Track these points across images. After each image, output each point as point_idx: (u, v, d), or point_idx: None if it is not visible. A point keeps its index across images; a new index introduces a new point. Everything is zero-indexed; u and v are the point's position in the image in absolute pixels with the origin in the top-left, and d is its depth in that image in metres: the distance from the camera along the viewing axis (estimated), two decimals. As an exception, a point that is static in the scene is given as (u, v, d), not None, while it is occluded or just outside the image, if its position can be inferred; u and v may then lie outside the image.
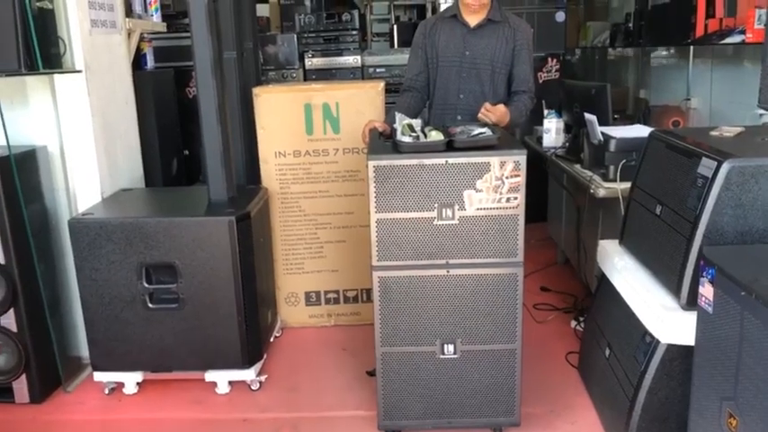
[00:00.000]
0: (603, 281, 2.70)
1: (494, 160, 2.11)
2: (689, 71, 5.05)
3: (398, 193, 2.15)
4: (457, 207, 2.16)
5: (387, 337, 2.29)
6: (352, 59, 5.57)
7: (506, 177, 2.13)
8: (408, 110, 2.83)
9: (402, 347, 2.30)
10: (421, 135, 2.24)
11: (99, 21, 3.02)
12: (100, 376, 2.87)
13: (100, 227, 2.69)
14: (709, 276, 1.85)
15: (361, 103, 3.23)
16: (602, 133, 2.92)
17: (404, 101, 2.94)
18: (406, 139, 2.16)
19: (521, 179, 2.13)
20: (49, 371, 2.87)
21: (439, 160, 2.12)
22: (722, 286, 1.78)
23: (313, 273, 3.42)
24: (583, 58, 7.06)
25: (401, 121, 2.35)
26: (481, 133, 2.16)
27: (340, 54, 5.60)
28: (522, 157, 2.12)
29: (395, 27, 7.60)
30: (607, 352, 2.51)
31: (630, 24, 5.64)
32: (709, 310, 1.86)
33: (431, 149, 2.14)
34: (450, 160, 2.12)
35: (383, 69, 5.58)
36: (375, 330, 2.29)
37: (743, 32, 3.90)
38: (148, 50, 3.89)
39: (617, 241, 2.69)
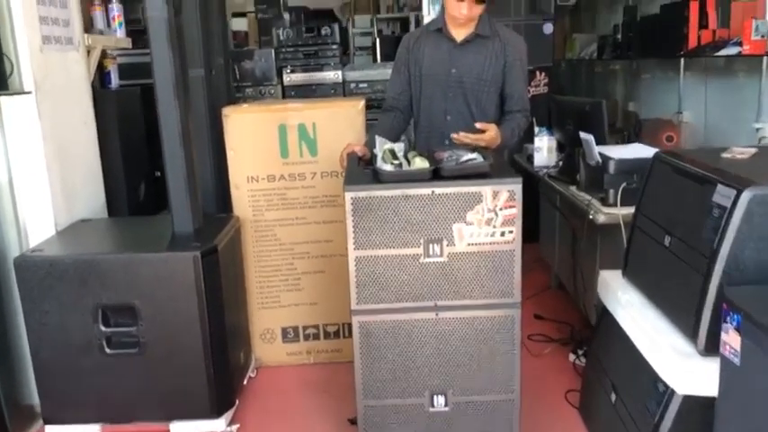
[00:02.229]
0: (605, 315, 2.47)
1: (486, 190, 1.88)
2: (680, 84, 4.88)
3: (380, 228, 1.91)
4: (445, 242, 1.92)
5: (369, 388, 2.05)
6: (332, 75, 5.36)
7: (500, 209, 1.90)
8: (390, 131, 2.59)
9: (387, 400, 2.06)
10: (404, 162, 2.00)
11: (52, 37, 2.76)
12: (53, 430, 2.58)
13: (50, 265, 2.42)
14: (734, 323, 1.62)
15: (339, 124, 2.99)
16: (600, 153, 2.70)
17: (385, 122, 2.71)
18: (388, 167, 1.93)
19: (516, 210, 1.90)
20: (-4, 424, 2.58)
21: (424, 190, 1.89)
22: (751, 335, 1.55)
23: (290, 306, 3.16)
24: (569, 71, 6.90)
25: (382, 145, 2.11)
26: (471, 159, 1.92)
27: (320, 69, 5.37)
28: (517, 186, 1.89)
29: (377, 41, 7.41)
30: (613, 397, 2.27)
31: (619, 36, 5.49)
32: (736, 361, 1.63)
33: (415, 178, 1.90)
34: (437, 190, 1.89)
35: (365, 85, 5.37)
36: (356, 380, 2.05)
37: (739, 44, 3.73)
38: (112, 68, 3.63)
39: (619, 272, 2.47)
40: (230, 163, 3.02)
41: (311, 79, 5.36)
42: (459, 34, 2.59)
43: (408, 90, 2.72)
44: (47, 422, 2.57)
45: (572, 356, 3.09)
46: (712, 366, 1.80)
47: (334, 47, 5.47)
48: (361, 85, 5.39)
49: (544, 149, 3.43)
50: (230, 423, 2.63)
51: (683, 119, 4.77)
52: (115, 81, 3.68)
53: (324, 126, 2.99)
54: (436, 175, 1.91)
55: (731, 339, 1.64)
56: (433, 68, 2.66)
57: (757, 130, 3.97)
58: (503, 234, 1.92)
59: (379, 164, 1.97)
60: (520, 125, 2.58)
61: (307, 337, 3.20)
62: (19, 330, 2.71)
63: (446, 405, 2.05)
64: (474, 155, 1.97)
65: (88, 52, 3.15)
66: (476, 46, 2.59)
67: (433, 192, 1.89)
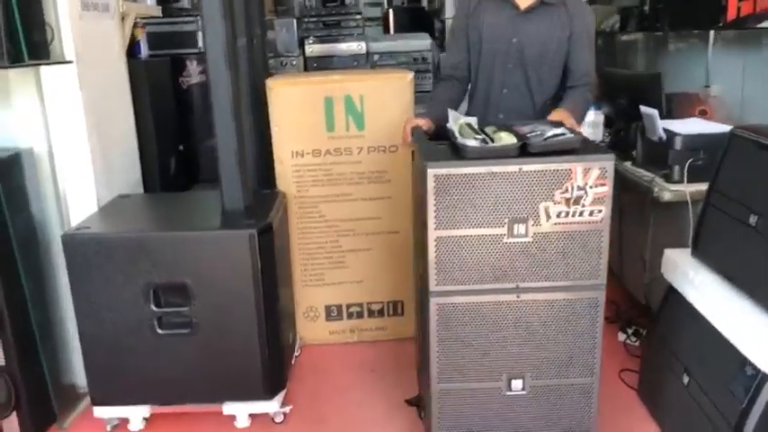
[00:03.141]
0: (673, 295, 2.40)
1: (576, 167, 1.79)
2: (708, 56, 4.76)
3: (462, 207, 1.82)
4: (531, 222, 1.84)
5: (445, 372, 1.97)
6: (356, 46, 5.19)
7: (590, 187, 1.81)
8: (449, 102, 2.46)
9: (461, 383, 1.99)
10: (485, 137, 1.90)
11: (90, 3, 2.63)
12: (101, 411, 2.51)
13: (99, 243, 2.33)
14: None
15: (387, 96, 2.89)
16: (664, 129, 2.60)
17: (442, 92, 2.58)
18: (472, 143, 1.83)
19: (607, 189, 1.82)
20: (43, 406, 2.51)
21: (512, 168, 1.79)
22: None
23: (334, 284, 3.08)
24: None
25: (456, 119, 2.01)
26: (559, 134, 1.83)
27: (343, 40, 5.21)
28: (609, 164, 1.81)
29: (390, 12, 7.25)
30: (685, 379, 2.21)
31: (646, 8, 5.34)
32: None
33: (502, 154, 1.80)
34: (525, 167, 1.79)
35: (389, 56, 5.21)
36: (431, 365, 1.97)
37: None
38: (142, 37, 3.49)
39: (688, 251, 2.39)
40: (274, 137, 2.92)
41: (334, 50, 5.20)
42: (524, 1, 2.45)
43: (467, 58, 2.56)
44: (95, 403, 2.49)
45: (622, 335, 3.03)
46: (811, 350, 1.74)
47: (357, 17, 5.32)
48: (384, 57, 5.24)
49: (591, 124, 3.33)
50: (282, 404, 2.57)
51: (711, 93, 4.66)
52: (145, 51, 3.55)
53: (371, 99, 2.88)
54: (523, 151, 1.81)
55: None
56: (493, 37, 2.48)
57: (793, 107, 3.88)
58: (591, 213, 1.83)
59: (460, 139, 1.87)
60: (588, 100, 2.45)
61: (350, 316, 3.13)
62: (62, 308, 2.64)
63: (523, 389, 1.99)
64: (560, 129, 1.87)
65: (122, 20, 3.01)
66: (540, 15, 2.44)
67: (520, 169, 1.79)
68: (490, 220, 1.83)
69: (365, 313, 3.13)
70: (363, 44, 5.21)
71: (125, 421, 2.54)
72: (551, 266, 1.88)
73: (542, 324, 1.93)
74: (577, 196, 1.81)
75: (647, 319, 2.97)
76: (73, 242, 2.32)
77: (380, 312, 3.14)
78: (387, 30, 7.21)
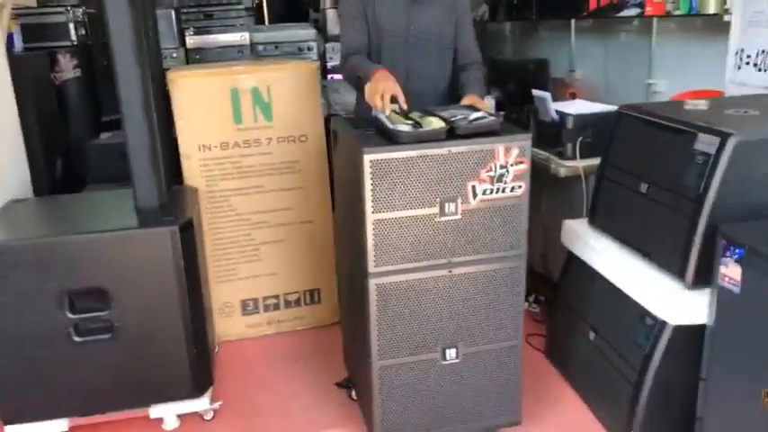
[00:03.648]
0: (574, 261, 2.64)
1: (499, 147, 1.93)
2: (572, 44, 5.19)
3: (397, 190, 1.91)
4: (460, 200, 1.96)
5: (384, 349, 2.06)
6: (239, 37, 5.10)
7: (511, 165, 1.96)
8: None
9: (401, 358, 2.08)
10: (414, 122, 1.99)
11: (-33, -7, 2.42)
12: (12, 430, 2.35)
13: (5, 251, 2.17)
14: (735, 256, 1.81)
15: (295, 86, 2.91)
16: (556, 110, 2.84)
17: (364, 60, 2.51)
18: (404, 128, 1.91)
19: (526, 166, 1.98)
20: (-56, 433, 2.31)
21: (442, 150, 1.90)
22: (755, 266, 1.75)
23: (249, 278, 3.07)
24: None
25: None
26: (480, 117, 1.96)
27: (225, 31, 5.10)
28: (527, 143, 1.97)
29: (264, 2, 7.15)
30: (591, 335, 2.46)
31: (514, -2, 5.69)
32: (735, 290, 1.82)
33: (432, 138, 1.91)
34: (454, 149, 1.91)
35: (273, 47, 5.17)
36: (371, 343, 2.04)
37: (640, 6, 3.98)
38: (16, 29, 3.25)
39: (584, 221, 2.64)
40: (180, 132, 2.85)
41: (216, 42, 5.07)
42: None
43: (368, 42, 2.53)
44: (6, 422, 2.33)
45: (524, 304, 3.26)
46: (700, 298, 2.01)
47: (239, 6, 5.22)
48: (268, 48, 5.19)
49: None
50: (211, 401, 2.54)
51: (576, 77, 5.08)
52: (19, 44, 3.31)
53: (278, 89, 2.89)
54: (451, 134, 1.93)
55: (730, 271, 1.83)
56: (392, 27, 2.52)
57: (649, 85, 4.35)
58: (513, 189, 1.99)
59: (390, 124, 1.95)
60: (482, 79, 2.56)
61: (267, 308, 3.13)
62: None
63: (457, 357, 2.12)
64: (481, 113, 2.01)
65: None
66: (431, 1, 2.52)
67: (449, 151, 1.91)
68: (423, 201, 1.93)
69: (282, 304, 3.15)
70: (246, 34, 5.13)
71: (41, 438, 2.39)
72: (479, 241, 2.02)
73: (472, 295, 2.07)
74: (500, 174, 1.96)
75: (545, 287, 3.22)
76: (-26, 252, 2.15)
77: (297, 302, 3.16)
78: (260, 20, 7.10)
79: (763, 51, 2.84)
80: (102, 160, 3.50)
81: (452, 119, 1.97)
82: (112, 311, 2.29)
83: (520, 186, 1.99)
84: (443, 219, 1.96)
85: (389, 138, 1.93)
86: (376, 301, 2.00)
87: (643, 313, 2.17)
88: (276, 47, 5.20)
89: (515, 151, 1.95)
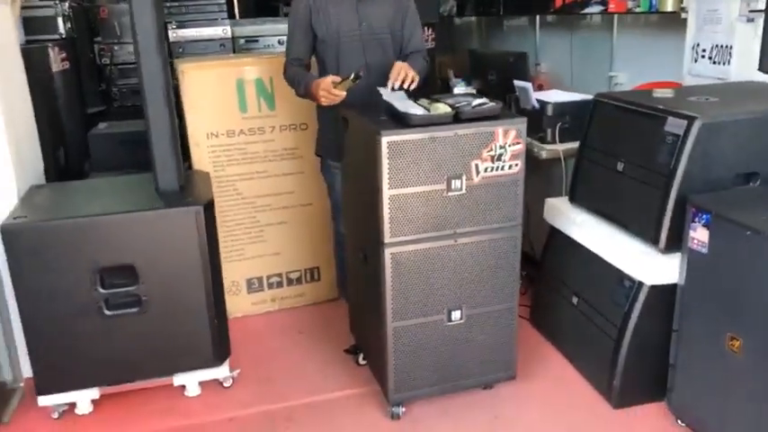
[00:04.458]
0: (556, 235, 2.92)
1: (498, 129, 2.19)
2: (536, 38, 5.51)
3: (410, 168, 2.15)
4: (465, 177, 2.21)
5: (397, 311, 2.30)
6: (221, 30, 5.25)
7: (509, 145, 2.22)
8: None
9: (412, 320, 2.33)
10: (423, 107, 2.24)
11: (-8, -11, 2.56)
12: (46, 400, 2.51)
13: (41, 231, 2.34)
14: (702, 221, 2.11)
15: (296, 77, 3.10)
16: (537, 99, 3.12)
17: (304, 70, 2.73)
18: (417, 111, 2.16)
19: (522, 146, 2.24)
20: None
21: (448, 132, 2.15)
22: (720, 228, 2.05)
23: (254, 258, 3.27)
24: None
25: (387, 93, 2.33)
26: (482, 103, 2.22)
27: (207, 24, 5.24)
28: (522, 126, 2.23)
29: (235, -2, 7.26)
30: (574, 300, 2.74)
31: (480, -6, 5.96)
32: (704, 251, 2.13)
33: (441, 121, 2.16)
34: (459, 131, 2.16)
35: (256, 41, 5.34)
36: (385, 307, 2.28)
37: (603, 3, 4.29)
38: (18, 22, 3.36)
39: (565, 198, 2.93)
40: (189, 120, 3.02)
41: (199, 35, 5.22)
42: None
43: (310, 50, 2.73)
44: (41, 393, 2.50)
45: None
46: (672, 261, 2.31)
47: (220, 1, 5.36)
48: (250, 42, 5.35)
49: (465, 98, 3.79)
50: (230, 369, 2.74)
51: (541, 69, 5.38)
52: (21, 37, 3.42)
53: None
54: (456, 118, 2.18)
55: (699, 234, 2.13)
56: (344, 26, 2.65)
57: (610, 77, 4.69)
58: (510, 167, 2.25)
59: (406, 108, 2.19)
60: (423, 64, 2.75)
61: (270, 286, 3.34)
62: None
63: (461, 318, 2.37)
64: (483, 99, 2.26)
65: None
66: None
67: (455, 133, 2.16)
68: (432, 178, 2.18)
69: (284, 282, 3.36)
70: (228, 28, 5.28)
71: (72, 406, 2.56)
72: (481, 213, 2.27)
73: (475, 262, 2.32)
74: (499, 153, 2.22)
75: (527, 262, 3.50)
76: (14, 232, 2.31)
77: (298, 280, 3.38)
78: (231, 14, 7.21)
79: (717, 46, 3.16)
80: (103, 149, 3.65)
81: (457, 105, 2.22)
82: (140, 286, 2.47)
83: (516, 164, 2.25)
84: (450, 194, 2.22)
85: (401, 121, 2.17)
86: (390, 268, 2.24)
87: (621, 276, 2.46)
88: (257, 40, 5.36)
89: (513, 133, 2.21)
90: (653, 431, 2.39)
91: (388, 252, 2.22)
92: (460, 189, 2.22)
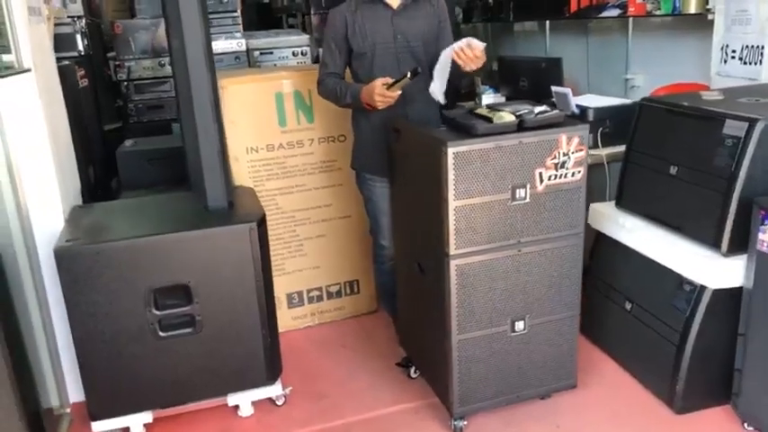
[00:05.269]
0: (603, 240, 2.91)
1: (562, 136, 2.17)
2: (546, 42, 5.52)
3: (476, 178, 2.12)
4: (529, 186, 2.19)
5: (462, 324, 2.27)
6: (235, 44, 5.23)
7: (572, 152, 2.20)
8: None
9: (475, 332, 2.30)
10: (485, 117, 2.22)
11: (34, 8, 2.52)
12: (99, 426, 2.46)
13: (96, 253, 2.29)
14: (773, 223, 2.10)
15: (334, 89, 3.08)
16: (577, 105, 3.11)
17: (339, 82, 2.70)
18: (478, 122, 2.14)
19: (584, 153, 2.22)
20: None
21: (513, 141, 2.13)
22: (791, 231, 2.04)
23: (294, 272, 3.23)
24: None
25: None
26: (544, 111, 2.20)
27: (222, 38, 5.22)
28: (585, 132, 2.22)
29: (239, 10, 7.25)
30: (628, 306, 2.72)
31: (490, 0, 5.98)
32: (773, 253, 2.11)
33: (505, 130, 2.13)
34: (524, 140, 2.14)
35: (270, 53, 5.32)
36: (450, 319, 2.25)
37: (621, 6, 4.30)
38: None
39: (610, 204, 2.91)
40: (229, 135, 2.98)
41: (215, 49, 5.17)
42: (395, 1, 2.63)
43: (345, 66, 2.71)
44: (94, 419, 2.44)
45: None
46: (736, 263, 2.30)
47: (234, 14, 5.34)
48: (264, 54, 5.33)
49: (495, 106, 3.78)
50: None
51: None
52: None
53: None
54: (520, 126, 2.16)
55: (768, 237, 2.12)
56: (380, 38, 2.63)
57: (626, 80, 4.70)
58: (573, 174, 2.23)
59: (467, 119, 2.17)
60: None
61: (311, 300, 3.30)
62: (31, 329, 2.52)
63: (525, 329, 2.35)
64: (544, 107, 2.24)
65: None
66: (413, 10, 2.65)
67: (520, 141, 2.14)
68: (497, 188, 2.16)
69: (324, 296, 3.32)
70: (243, 41, 5.26)
71: (125, 430, 2.51)
72: (544, 222, 2.25)
73: (538, 271, 2.30)
74: (563, 161, 2.20)
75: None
76: (68, 255, 2.26)
77: (338, 293, 3.34)
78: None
79: (747, 47, 3.16)
80: (132, 167, 3.60)
81: (518, 113, 2.20)
82: (194, 306, 2.43)
83: (579, 171, 2.24)
84: (514, 203, 2.19)
85: (464, 131, 2.14)
86: (455, 280, 2.21)
87: (681, 281, 2.44)
88: (272, 52, 5.34)
89: (576, 140, 2.19)
90: (719, 436, 2.37)
91: (453, 264, 2.19)
92: (525, 198, 2.19)
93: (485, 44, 2.39)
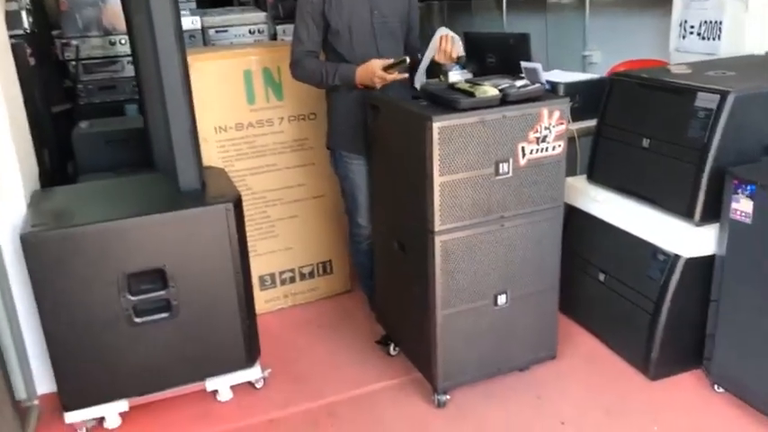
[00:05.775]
0: (576, 214, 2.94)
1: (544, 110, 2.18)
2: (503, 19, 5.58)
3: (460, 153, 2.11)
4: (511, 160, 2.19)
5: (446, 299, 2.27)
6: (190, 22, 5.06)
7: (553, 126, 2.21)
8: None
9: (459, 307, 2.30)
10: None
11: (-15, -20, 2.36)
12: (73, 416, 2.37)
13: (65, 239, 2.19)
14: (746, 192, 2.16)
15: (303, 66, 3.01)
16: (547, 80, 3.13)
17: (318, 62, 2.67)
18: (461, 96, 2.12)
19: (565, 127, 2.24)
20: None
21: (496, 115, 2.13)
22: (765, 199, 2.10)
23: (266, 254, 3.17)
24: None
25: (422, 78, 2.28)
26: (525, 85, 2.20)
27: (175, 15, 5.03)
28: (566, 106, 2.23)
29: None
30: (601, 277, 2.77)
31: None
32: (747, 221, 2.18)
33: (489, 104, 2.13)
34: (507, 114, 2.14)
35: (225, 31, 5.17)
36: (435, 295, 2.25)
37: None
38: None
39: (582, 177, 2.95)
40: (197, 114, 2.88)
41: (166, 27, 5.00)
42: None
43: (321, 42, 2.65)
44: (67, 409, 2.36)
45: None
46: (708, 232, 2.37)
47: (189, -9, 5.17)
48: (220, 32, 5.18)
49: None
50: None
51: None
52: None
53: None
54: (503, 100, 2.15)
55: (742, 206, 2.19)
56: (357, 15, 2.60)
57: (584, 56, 4.78)
58: (554, 148, 2.25)
59: (449, 93, 2.15)
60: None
61: (283, 282, 3.25)
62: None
63: (507, 302, 2.37)
64: (525, 81, 2.24)
65: (-5, -2, 2.71)
66: None
67: (504, 115, 2.13)
68: (481, 163, 2.15)
69: (297, 277, 3.27)
70: (198, 18, 5.10)
71: (100, 421, 2.43)
72: (526, 195, 2.26)
73: (521, 245, 2.32)
74: (544, 135, 2.21)
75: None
76: (35, 241, 2.15)
77: (311, 274, 3.30)
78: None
79: (705, 22, 3.23)
80: (89, 150, 3.46)
81: (500, 87, 2.19)
82: (170, 290, 2.35)
83: (560, 145, 2.25)
84: (498, 178, 2.19)
85: (447, 106, 2.13)
86: (440, 256, 2.20)
87: (655, 250, 2.50)
88: (226, 30, 5.19)
89: (557, 114, 2.21)
90: (692, 397, 2.45)
91: (438, 240, 2.18)
92: (508, 172, 2.20)
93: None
